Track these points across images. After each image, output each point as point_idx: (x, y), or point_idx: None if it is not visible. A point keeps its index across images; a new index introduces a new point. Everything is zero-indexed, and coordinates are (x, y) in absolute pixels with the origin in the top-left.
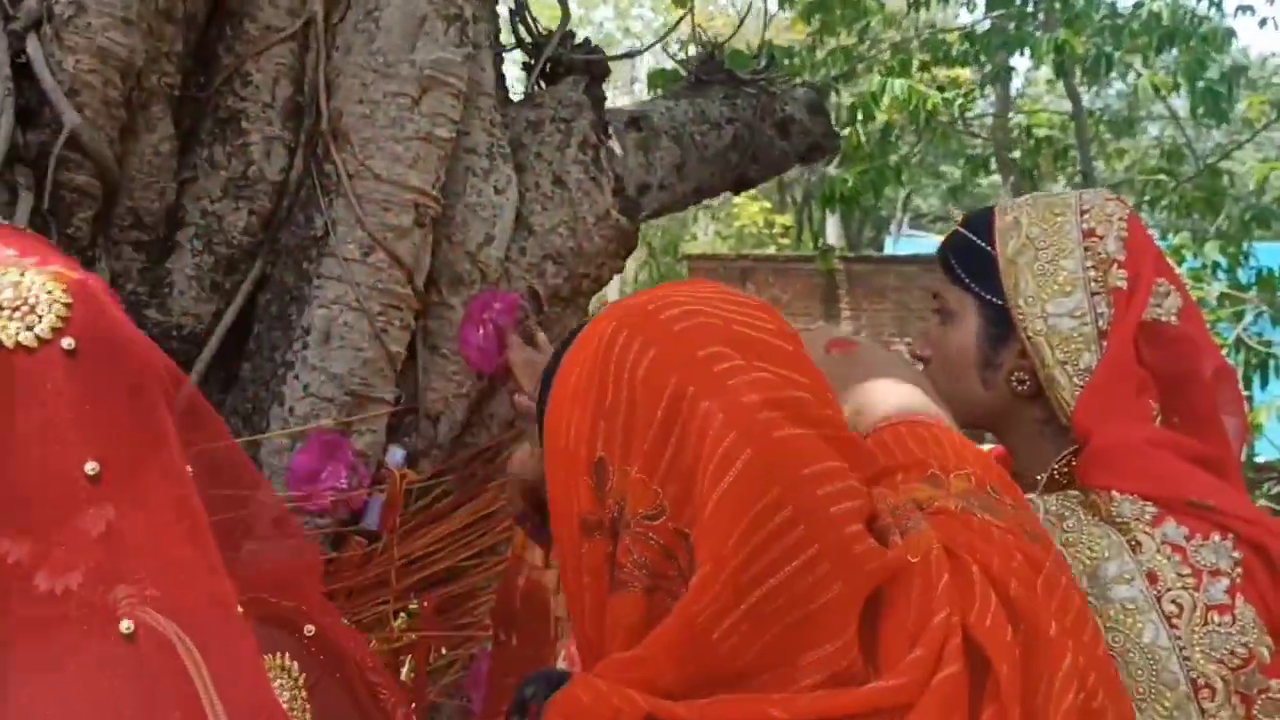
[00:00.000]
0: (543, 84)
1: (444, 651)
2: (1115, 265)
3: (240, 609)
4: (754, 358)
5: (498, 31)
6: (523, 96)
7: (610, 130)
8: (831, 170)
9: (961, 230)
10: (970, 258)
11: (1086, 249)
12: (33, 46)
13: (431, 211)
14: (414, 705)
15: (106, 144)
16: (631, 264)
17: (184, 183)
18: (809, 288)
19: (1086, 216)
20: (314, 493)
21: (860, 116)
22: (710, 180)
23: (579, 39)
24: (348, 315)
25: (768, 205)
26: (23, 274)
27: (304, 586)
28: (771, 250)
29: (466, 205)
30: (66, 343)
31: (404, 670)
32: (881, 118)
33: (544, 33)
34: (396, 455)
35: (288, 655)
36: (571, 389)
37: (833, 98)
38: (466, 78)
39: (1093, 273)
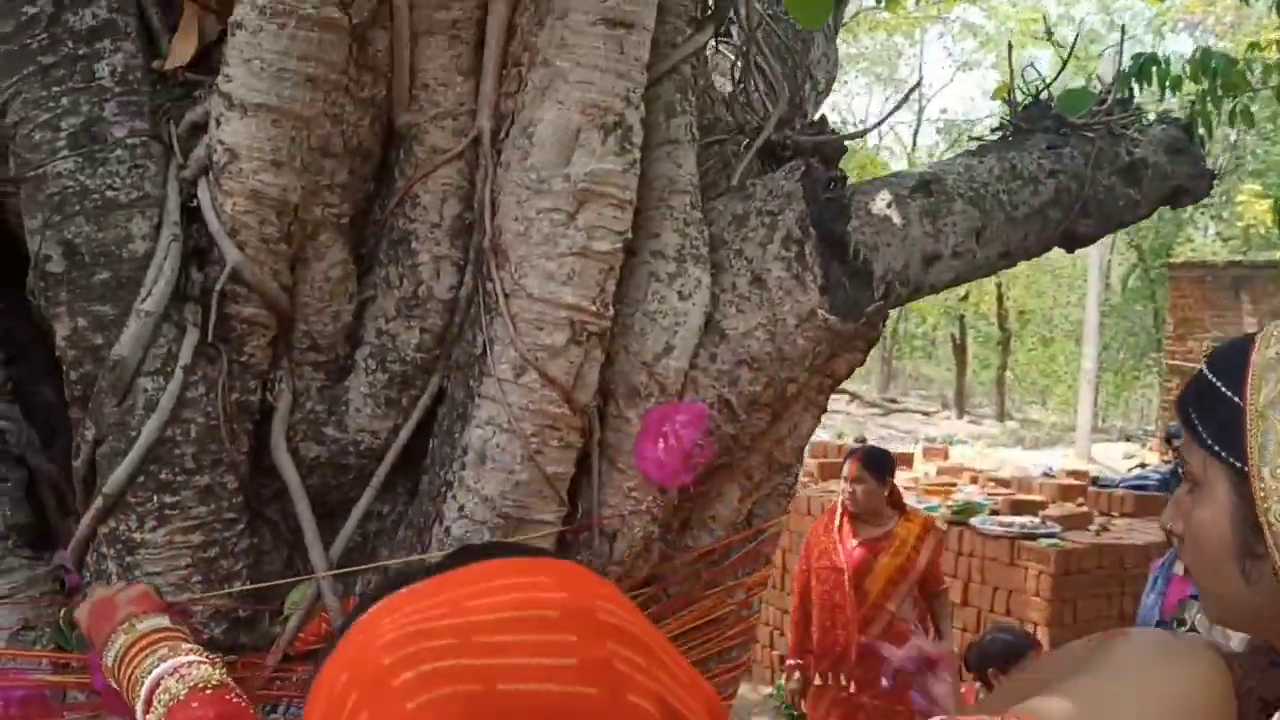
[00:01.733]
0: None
1: None
2: None
3: None
4: None
5: (713, 122)
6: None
7: (848, 212)
8: None
9: (1205, 371)
10: (1213, 409)
11: None
12: (201, 190)
13: (592, 327)
14: None
15: (270, 276)
16: (1119, 268)
17: (364, 302)
18: None
19: None
20: None
21: None
22: (1024, 242)
23: (816, 116)
24: (500, 437)
25: None
26: None
27: None
28: None
29: (645, 313)
30: None
31: None
32: None
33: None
34: None
35: None
36: None
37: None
38: (631, 186)
39: None
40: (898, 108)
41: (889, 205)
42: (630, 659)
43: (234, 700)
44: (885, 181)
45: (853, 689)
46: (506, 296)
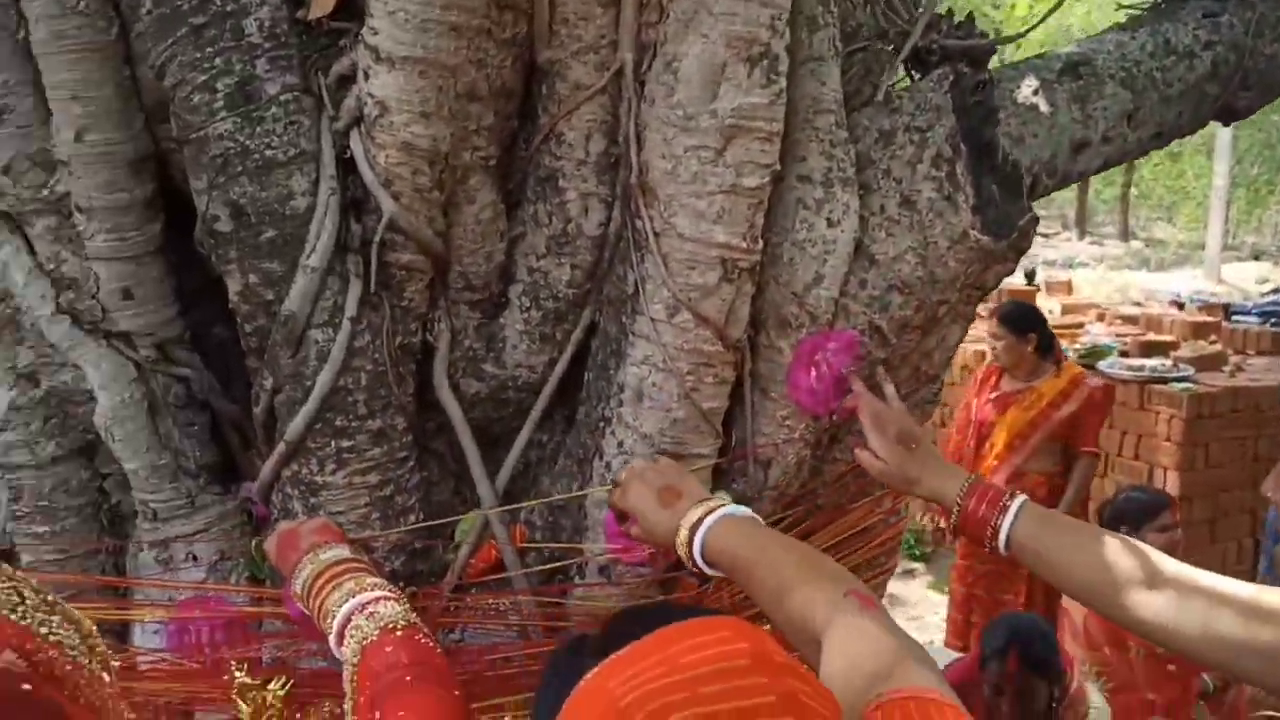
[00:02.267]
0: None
1: None
2: None
3: None
4: None
5: (855, 29)
6: (883, 98)
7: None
8: None
9: None
10: None
11: None
12: (354, 142)
13: (743, 263)
14: None
15: (425, 223)
16: None
17: (514, 239)
18: None
19: None
20: (631, 545)
21: None
22: (1177, 120)
23: (962, 17)
24: (656, 375)
25: None
26: None
27: None
28: None
29: (794, 243)
30: None
31: None
32: None
33: (908, 19)
34: (724, 501)
35: None
36: None
37: None
38: (779, 117)
39: None
40: (1056, 7)
41: (1035, 92)
42: (804, 689)
43: (423, 641)
44: (1031, 65)
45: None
46: (657, 235)
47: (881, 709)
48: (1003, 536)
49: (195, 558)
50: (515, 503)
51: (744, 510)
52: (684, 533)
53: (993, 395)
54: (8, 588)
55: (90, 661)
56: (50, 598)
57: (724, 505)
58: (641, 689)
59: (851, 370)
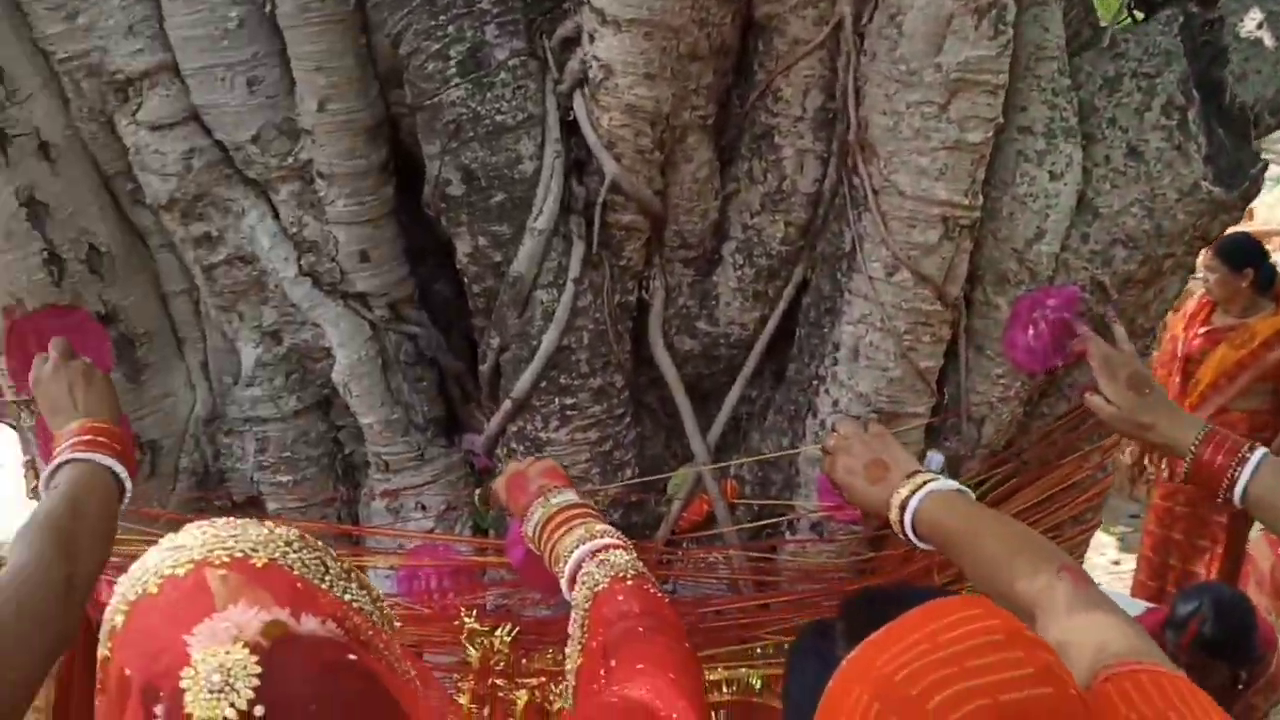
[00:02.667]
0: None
1: None
2: None
3: None
4: None
5: None
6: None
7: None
8: None
9: None
10: None
11: None
12: (578, 104)
13: (964, 220)
14: None
15: (645, 184)
16: None
17: (727, 196)
18: None
19: None
20: (845, 503)
21: None
22: None
23: None
24: (873, 335)
25: None
26: (228, 651)
27: None
28: None
29: (1015, 197)
30: (259, 710)
31: None
32: None
33: None
34: (935, 460)
35: None
36: None
37: None
38: (1004, 69)
39: None
40: None
41: (1259, 26)
42: (1056, 661)
43: (652, 592)
44: None
45: (1166, 475)
46: (875, 193)
47: (1111, 680)
48: (1240, 488)
49: (424, 507)
50: (724, 457)
51: (951, 484)
52: (895, 511)
53: (1202, 330)
54: (315, 558)
55: (384, 624)
56: (346, 565)
57: (932, 479)
58: (911, 665)
59: (1070, 327)
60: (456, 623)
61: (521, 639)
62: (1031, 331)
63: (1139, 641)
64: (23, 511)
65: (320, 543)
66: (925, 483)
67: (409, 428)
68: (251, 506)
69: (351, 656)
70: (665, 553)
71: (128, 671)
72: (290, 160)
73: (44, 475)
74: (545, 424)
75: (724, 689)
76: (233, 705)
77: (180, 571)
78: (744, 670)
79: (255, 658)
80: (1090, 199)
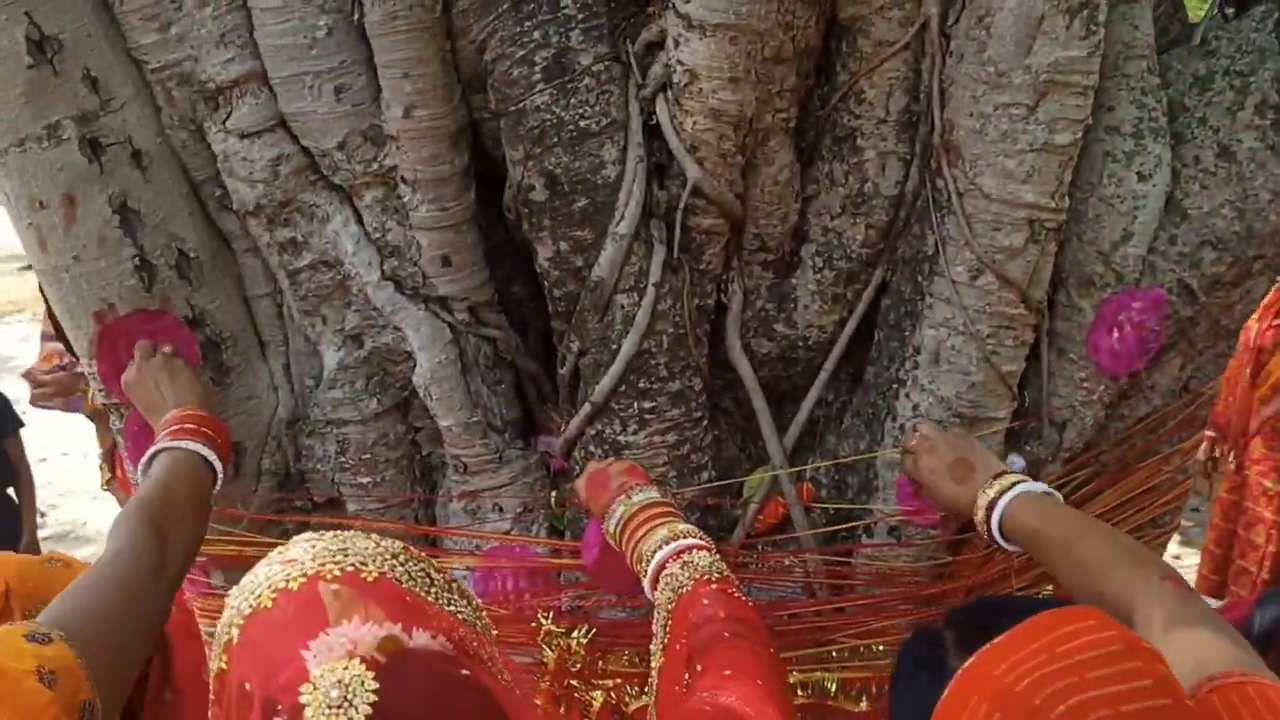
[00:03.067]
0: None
1: None
2: None
3: None
4: None
5: None
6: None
7: None
8: None
9: None
10: None
11: None
12: (660, 109)
13: (1050, 223)
14: None
15: (727, 187)
16: None
17: (807, 199)
18: None
19: None
20: (924, 508)
21: None
22: None
23: None
24: (956, 339)
25: None
26: (346, 667)
27: None
28: None
29: (1101, 199)
30: None
31: None
32: None
33: None
34: (1016, 463)
35: None
36: None
37: None
38: (1095, 70)
39: None
40: None
41: None
42: (1170, 673)
43: (737, 596)
44: None
45: (1232, 466)
46: (960, 195)
47: (1217, 691)
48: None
49: (501, 509)
50: (800, 460)
51: (1039, 486)
52: (981, 511)
53: (1276, 321)
54: (420, 570)
55: (485, 634)
56: (447, 575)
57: (1021, 481)
58: (1031, 675)
59: (1155, 330)
60: (533, 624)
61: (597, 640)
62: (1116, 335)
63: (1242, 652)
64: (96, 499)
65: (423, 554)
66: (1014, 484)
67: (487, 430)
68: (331, 507)
69: (465, 672)
70: (741, 555)
71: (248, 686)
72: (375, 166)
73: (140, 465)
74: (624, 427)
75: (799, 692)
76: None
77: (294, 586)
78: (819, 674)
79: (372, 673)
80: (1179, 200)
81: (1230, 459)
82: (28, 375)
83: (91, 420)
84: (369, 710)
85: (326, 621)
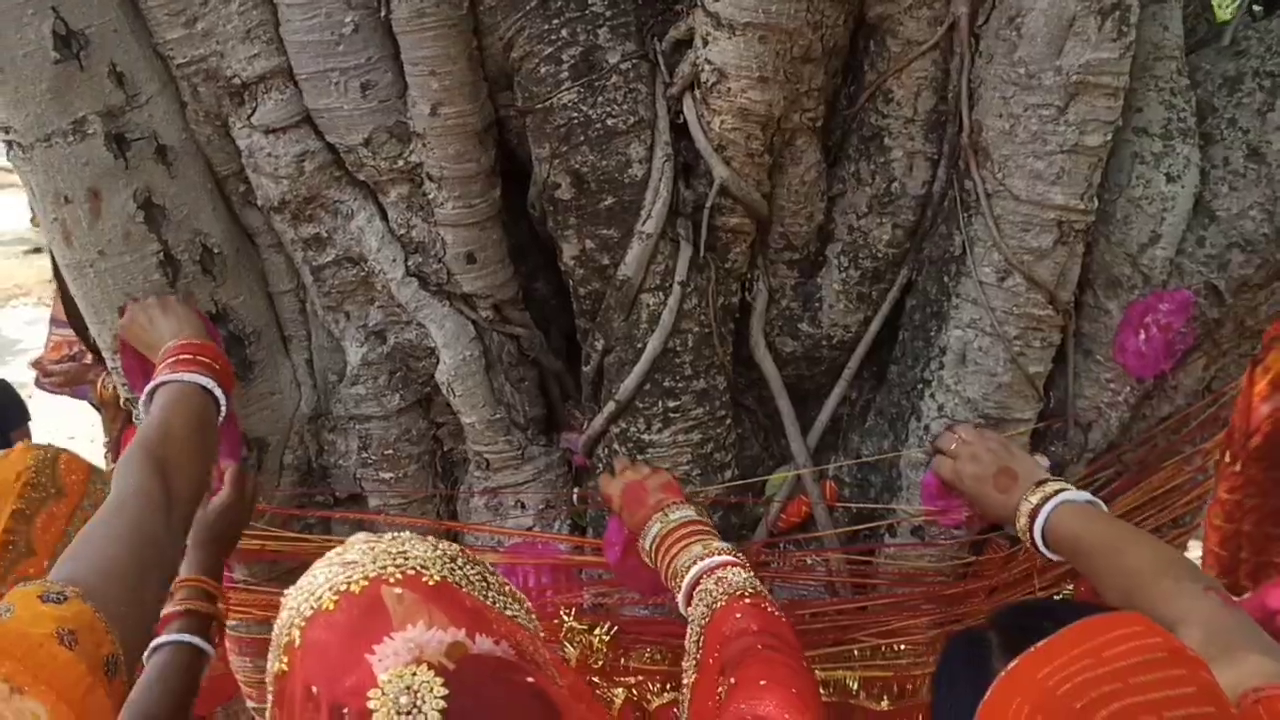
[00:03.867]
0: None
1: None
2: None
3: None
4: None
5: None
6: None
7: None
8: None
9: None
10: None
11: None
12: (688, 107)
13: (1079, 225)
14: None
15: (754, 187)
16: None
17: (833, 198)
18: None
19: None
20: (949, 507)
21: None
22: None
23: None
24: (983, 340)
25: None
26: (414, 672)
27: None
28: None
29: (1130, 200)
30: None
31: None
32: None
33: None
34: (1042, 464)
35: None
36: None
37: None
38: (1126, 71)
39: None
40: None
41: None
42: (1214, 681)
43: (771, 611)
44: None
45: (1238, 467)
46: (989, 196)
47: (1263, 703)
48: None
49: (523, 505)
50: (823, 459)
51: (1083, 495)
52: (1024, 519)
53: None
54: (477, 574)
55: (538, 636)
56: (500, 578)
57: (1064, 489)
58: (1074, 680)
59: (1182, 332)
60: (555, 621)
61: (619, 638)
62: (1143, 336)
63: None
64: None
65: (478, 557)
66: (1057, 491)
67: (510, 427)
68: (353, 503)
69: (530, 679)
70: (764, 554)
71: (315, 689)
72: (400, 163)
73: (141, 402)
74: (648, 426)
75: (821, 691)
76: None
77: (355, 589)
78: (841, 672)
79: (440, 679)
80: (1207, 201)
81: (1228, 460)
82: (36, 365)
83: (98, 409)
84: (438, 717)
85: (390, 625)
